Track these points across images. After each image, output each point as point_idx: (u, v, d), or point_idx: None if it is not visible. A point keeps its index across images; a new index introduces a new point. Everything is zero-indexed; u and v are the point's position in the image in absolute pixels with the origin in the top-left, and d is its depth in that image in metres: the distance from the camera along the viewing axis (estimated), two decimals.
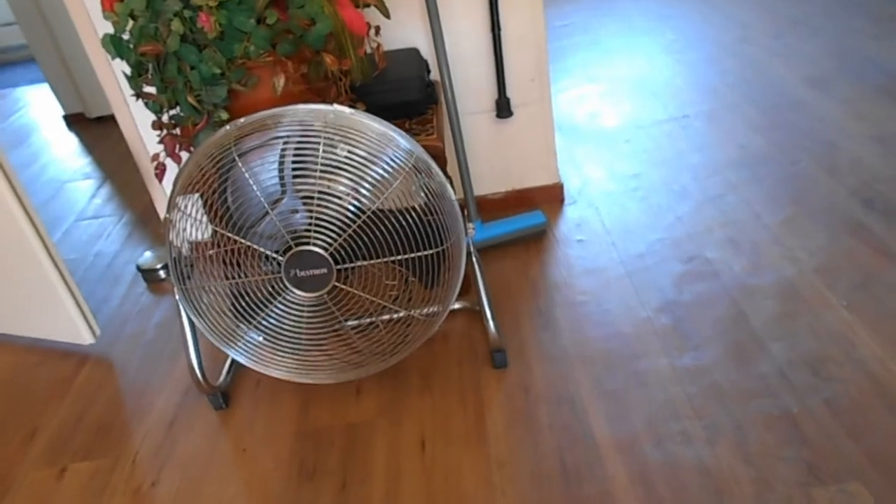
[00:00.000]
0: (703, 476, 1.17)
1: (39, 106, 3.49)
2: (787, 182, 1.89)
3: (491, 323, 1.44)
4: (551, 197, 1.99)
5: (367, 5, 1.42)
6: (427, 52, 1.73)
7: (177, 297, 1.34)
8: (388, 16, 1.46)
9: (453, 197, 1.28)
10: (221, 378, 1.52)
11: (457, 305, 1.59)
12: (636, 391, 1.36)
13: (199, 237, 1.32)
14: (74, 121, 3.16)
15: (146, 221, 2.25)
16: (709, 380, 1.35)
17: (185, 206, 1.30)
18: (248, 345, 1.37)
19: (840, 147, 1.99)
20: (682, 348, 1.43)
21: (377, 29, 1.48)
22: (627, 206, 1.92)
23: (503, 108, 1.84)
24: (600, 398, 1.36)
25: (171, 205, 1.29)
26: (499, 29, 1.71)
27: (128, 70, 1.27)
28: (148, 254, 2.02)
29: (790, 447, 1.19)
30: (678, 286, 1.60)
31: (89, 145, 2.95)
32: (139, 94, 1.29)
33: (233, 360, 1.53)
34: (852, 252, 1.59)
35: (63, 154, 2.92)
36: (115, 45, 1.22)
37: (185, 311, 1.36)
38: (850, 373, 1.30)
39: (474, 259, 1.43)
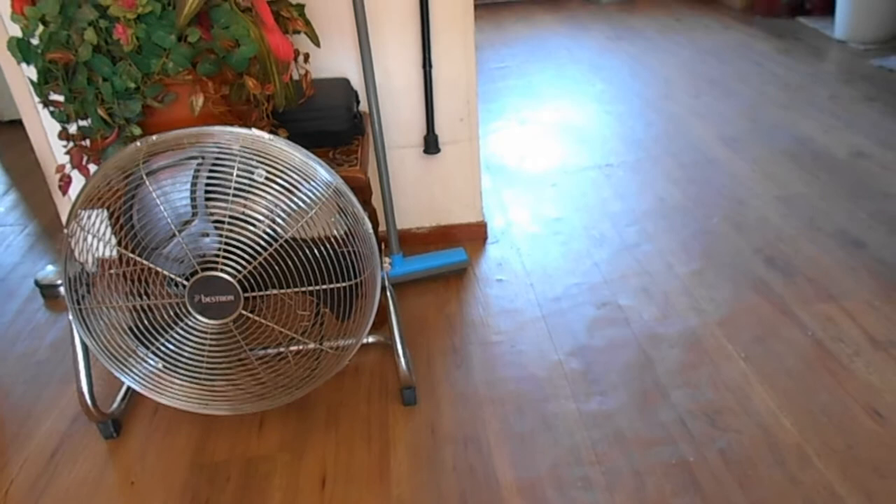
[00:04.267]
0: None
1: None
2: (699, 235, 1.97)
3: (402, 359, 1.42)
4: (475, 235, 2.01)
5: (298, 32, 1.41)
6: (357, 83, 1.73)
7: (70, 316, 1.27)
8: (318, 44, 1.45)
9: (370, 230, 1.26)
10: (115, 405, 1.44)
11: (370, 339, 1.57)
12: (542, 435, 1.36)
13: (100, 254, 1.25)
14: None
15: (51, 234, 2.13)
16: (613, 426, 1.37)
17: (87, 221, 1.24)
18: (144, 371, 1.30)
19: (748, 205, 2.10)
20: (589, 393, 1.45)
21: (306, 56, 1.47)
22: (548, 248, 1.96)
23: (431, 145, 1.85)
24: (507, 440, 1.35)
25: (71, 218, 1.22)
26: (430, 66, 1.73)
27: (35, 76, 1.21)
28: (49, 268, 1.91)
29: (685, 495, 1.21)
30: (590, 331, 1.63)
31: None
32: (45, 102, 1.23)
33: (129, 386, 1.45)
34: (753, 307, 1.67)
35: None
36: (21, 49, 1.16)
37: (77, 331, 1.29)
38: (745, 424, 1.35)
39: (389, 293, 1.41)
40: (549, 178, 2.34)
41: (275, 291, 1.24)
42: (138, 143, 1.17)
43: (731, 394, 1.42)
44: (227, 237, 1.20)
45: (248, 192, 1.19)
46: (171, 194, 1.21)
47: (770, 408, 1.38)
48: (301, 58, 1.45)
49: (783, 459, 1.27)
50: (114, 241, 1.24)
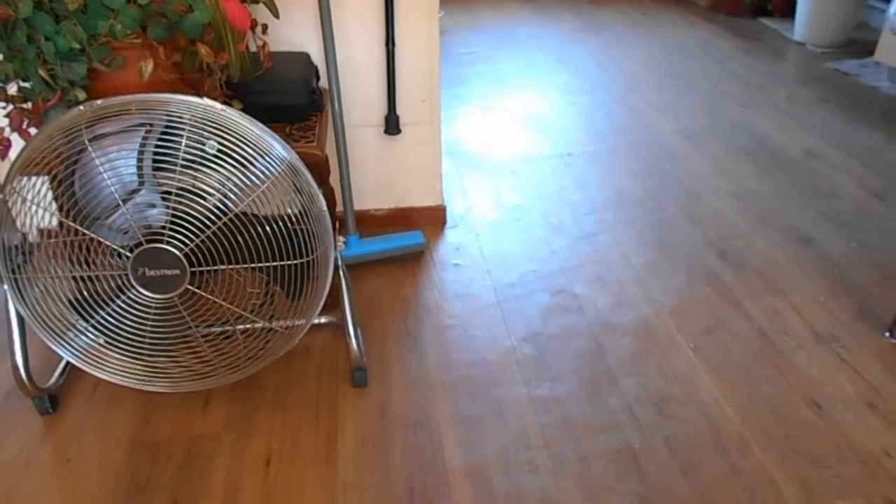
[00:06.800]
0: None
1: None
2: (655, 227, 1.99)
3: (353, 340, 1.41)
4: (434, 218, 1.99)
5: (256, 1, 1.37)
6: (318, 57, 1.69)
7: (5, 286, 1.21)
8: (276, 15, 1.41)
9: (324, 208, 1.24)
10: (52, 380, 1.39)
11: (322, 320, 1.55)
12: (492, 419, 1.36)
13: (40, 222, 1.20)
14: None
15: None
16: (562, 411, 1.38)
17: (27, 186, 1.18)
18: (82, 345, 1.26)
19: (704, 199, 2.13)
20: (540, 379, 1.46)
21: (264, 27, 1.43)
22: (506, 235, 1.96)
23: (392, 125, 1.82)
24: (456, 424, 1.35)
25: (8, 182, 1.17)
26: (393, 45, 1.71)
27: None
28: None
29: (628, 481, 1.23)
30: (545, 318, 1.64)
31: None
32: None
33: (68, 361, 1.40)
34: (704, 298, 1.70)
35: None
36: None
37: (13, 302, 1.23)
38: (690, 413, 1.37)
39: (342, 273, 1.39)
40: (511, 166, 2.34)
41: (223, 267, 1.21)
42: (82, 107, 1.12)
43: (678, 383, 1.44)
44: (174, 209, 1.16)
45: (199, 163, 1.15)
46: (117, 162, 1.16)
47: (715, 397, 1.41)
48: (259, 28, 1.41)
49: (725, 447, 1.29)
50: (54, 208, 1.19)
